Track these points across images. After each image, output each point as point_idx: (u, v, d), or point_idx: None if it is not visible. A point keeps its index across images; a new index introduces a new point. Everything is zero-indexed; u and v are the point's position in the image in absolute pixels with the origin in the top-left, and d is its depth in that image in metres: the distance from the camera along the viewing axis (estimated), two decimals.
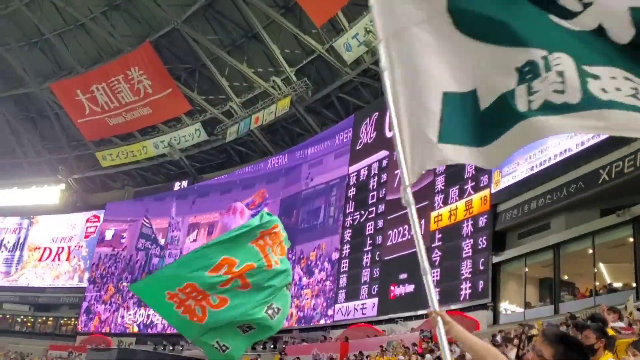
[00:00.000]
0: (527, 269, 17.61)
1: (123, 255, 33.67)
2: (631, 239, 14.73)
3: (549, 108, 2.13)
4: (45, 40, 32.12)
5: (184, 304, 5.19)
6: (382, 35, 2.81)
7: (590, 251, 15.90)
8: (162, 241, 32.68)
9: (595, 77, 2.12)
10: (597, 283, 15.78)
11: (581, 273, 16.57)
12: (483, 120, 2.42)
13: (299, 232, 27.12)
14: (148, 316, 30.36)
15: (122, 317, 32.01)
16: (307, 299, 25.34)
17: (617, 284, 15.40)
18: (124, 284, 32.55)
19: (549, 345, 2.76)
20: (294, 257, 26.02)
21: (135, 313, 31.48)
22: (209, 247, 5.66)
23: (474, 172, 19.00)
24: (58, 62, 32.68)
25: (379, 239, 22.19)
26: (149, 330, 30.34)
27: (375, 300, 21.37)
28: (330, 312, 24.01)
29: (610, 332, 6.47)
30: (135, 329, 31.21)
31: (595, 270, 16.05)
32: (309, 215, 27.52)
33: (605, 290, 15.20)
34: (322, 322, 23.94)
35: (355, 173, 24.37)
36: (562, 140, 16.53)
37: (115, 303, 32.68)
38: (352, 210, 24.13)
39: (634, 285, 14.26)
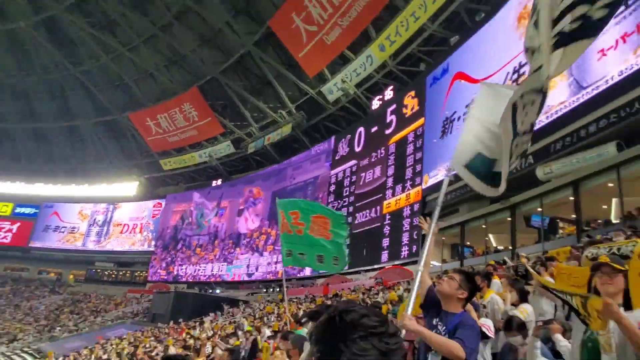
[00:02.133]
0: (444, 238, 17.93)
1: (177, 228, 34.02)
2: (509, 218, 15.06)
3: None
4: (125, 84, 32.40)
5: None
6: None
7: (484, 226, 16.41)
8: (200, 218, 33.08)
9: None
10: (488, 247, 16.35)
11: (478, 240, 17.03)
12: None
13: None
14: (195, 270, 30.77)
15: (177, 270, 32.13)
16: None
17: (500, 247, 15.88)
18: (178, 247, 32.99)
19: (458, 274, 2.93)
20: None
21: (186, 268, 31.67)
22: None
23: (411, 174, 19.27)
24: (134, 98, 32.88)
25: (350, 219, 21.90)
26: (196, 279, 30.59)
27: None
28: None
29: (496, 277, 6.66)
30: (186, 279, 31.41)
31: (487, 238, 16.57)
32: None
33: (493, 251, 15.73)
34: (310, 274, 24.01)
35: (334, 175, 24.30)
36: None
37: (172, 261, 32.94)
38: (332, 200, 23.95)
39: (510, 248, 14.71)
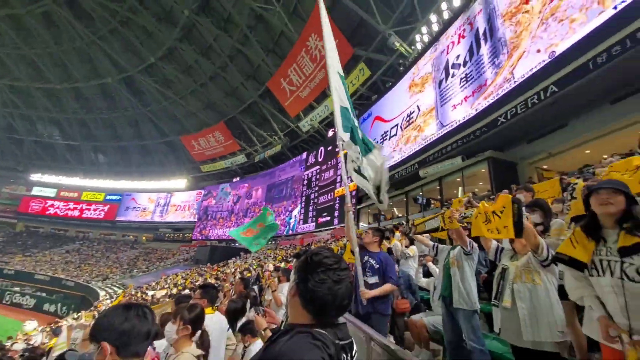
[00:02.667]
0: (369, 210, 18.05)
1: (209, 207, 33.38)
2: (404, 199, 14.96)
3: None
4: (178, 119, 31.38)
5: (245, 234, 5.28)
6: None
7: (391, 204, 16.24)
8: (223, 201, 32.35)
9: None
10: (393, 215, 16.27)
11: (388, 211, 16.94)
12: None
13: (275, 199, 27.06)
14: (223, 232, 30.23)
15: (211, 233, 31.49)
16: (282, 224, 25.17)
17: (399, 215, 15.41)
18: (210, 218, 32.33)
19: (372, 230, 2.96)
20: (276, 209, 26.00)
21: (216, 231, 31.13)
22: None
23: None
24: (184, 127, 31.94)
25: (316, 198, 22.20)
26: (222, 238, 30.01)
27: (314, 224, 21.59)
28: (289, 228, 24.17)
29: (397, 232, 6.83)
30: (216, 238, 30.67)
31: (393, 210, 16.82)
32: (278, 192, 27.19)
33: (396, 217, 15.51)
34: (291, 233, 23.95)
35: (306, 175, 24.01)
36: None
37: (207, 227, 32.48)
38: (305, 189, 23.69)
39: (405, 215, 14.67)
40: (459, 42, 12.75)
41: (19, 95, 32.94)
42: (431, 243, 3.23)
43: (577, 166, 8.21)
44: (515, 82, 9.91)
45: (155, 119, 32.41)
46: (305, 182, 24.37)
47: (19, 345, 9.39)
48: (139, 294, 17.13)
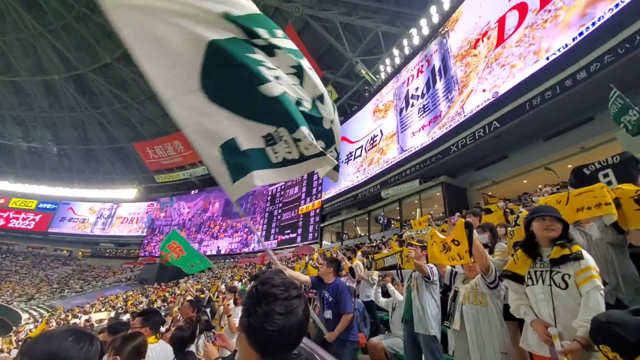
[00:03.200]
0: (332, 228, 17.97)
1: (159, 221, 31.28)
2: (367, 218, 15.32)
3: (287, 162, 1.65)
4: (133, 124, 29.48)
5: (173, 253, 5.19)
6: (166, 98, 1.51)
7: (354, 222, 16.52)
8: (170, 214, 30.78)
9: (298, 140, 1.59)
10: (355, 234, 16.27)
11: (351, 229, 17.09)
12: (249, 154, 1.61)
13: (232, 214, 26.29)
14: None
15: (158, 249, 29.64)
16: (239, 243, 24.55)
17: (362, 234, 15.52)
18: (161, 233, 30.37)
19: (325, 261, 2.77)
20: (234, 224, 25.29)
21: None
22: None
23: (315, 192, 19.49)
24: (139, 133, 30.11)
25: (279, 215, 21.79)
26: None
27: (276, 240, 21.10)
28: (253, 246, 23.48)
29: (359, 252, 6.91)
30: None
31: (356, 228, 16.67)
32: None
33: (359, 236, 15.46)
34: (252, 250, 23.43)
35: (271, 190, 23.78)
36: (349, 178, 17.28)
37: (156, 242, 30.33)
38: (269, 205, 23.28)
39: (368, 234, 14.80)
40: (417, 75, 13.91)
41: None
42: (394, 272, 3.29)
43: (517, 193, 9.24)
44: (465, 116, 11.00)
45: (105, 123, 30.01)
46: (269, 197, 23.97)
47: None
48: (69, 318, 15.08)
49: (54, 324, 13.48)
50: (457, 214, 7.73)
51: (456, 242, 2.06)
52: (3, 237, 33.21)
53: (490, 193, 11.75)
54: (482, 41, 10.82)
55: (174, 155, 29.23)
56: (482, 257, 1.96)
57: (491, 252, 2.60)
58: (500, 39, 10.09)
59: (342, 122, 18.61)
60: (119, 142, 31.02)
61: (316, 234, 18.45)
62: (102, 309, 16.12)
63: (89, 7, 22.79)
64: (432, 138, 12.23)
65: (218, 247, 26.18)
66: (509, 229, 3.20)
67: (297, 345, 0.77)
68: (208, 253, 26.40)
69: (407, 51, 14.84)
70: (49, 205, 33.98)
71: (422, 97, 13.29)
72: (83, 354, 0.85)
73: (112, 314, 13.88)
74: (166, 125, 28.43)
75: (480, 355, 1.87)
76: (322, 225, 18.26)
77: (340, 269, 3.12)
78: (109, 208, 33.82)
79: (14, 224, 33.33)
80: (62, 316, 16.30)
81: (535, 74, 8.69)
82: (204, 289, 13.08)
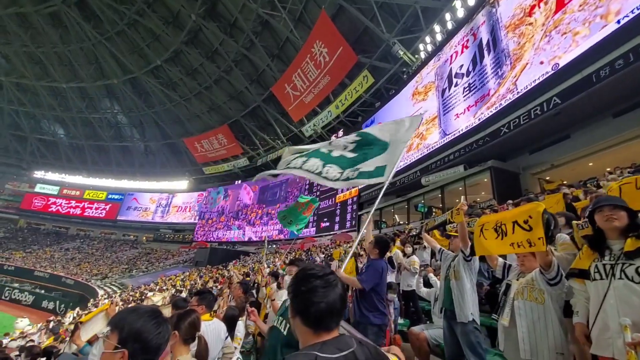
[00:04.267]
0: (369, 216, 18.44)
1: (206, 209, 33.18)
2: (406, 206, 14.96)
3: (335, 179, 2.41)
4: (182, 121, 31.47)
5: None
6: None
7: (392, 210, 16.42)
8: (215, 202, 32.16)
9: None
10: (394, 222, 15.98)
11: (389, 218, 16.85)
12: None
13: (268, 202, 27.28)
14: (224, 235, 30.14)
15: (211, 234, 31.37)
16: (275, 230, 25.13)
17: (401, 222, 15.07)
18: (210, 220, 32.10)
19: (373, 241, 2.97)
20: (270, 211, 26.19)
21: (218, 233, 30.98)
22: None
23: None
24: (187, 130, 32.04)
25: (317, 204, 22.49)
26: (223, 239, 29.92)
27: (314, 228, 21.50)
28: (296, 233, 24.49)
29: (398, 240, 6.45)
30: (217, 240, 30.57)
31: (394, 217, 16.43)
32: (272, 194, 27.23)
33: (397, 224, 14.94)
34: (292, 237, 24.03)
35: (308, 180, 24.48)
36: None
37: (208, 229, 32.30)
38: (306, 193, 22.90)
39: (406, 222, 14.55)
40: (462, 52, 12.80)
41: (24, 92, 33.08)
42: (438, 246, 3.19)
43: (579, 178, 8.18)
44: (518, 93, 9.93)
45: (159, 121, 32.42)
46: (307, 187, 24.31)
47: (15, 343, 9.29)
48: (137, 295, 16.98)
49: (119, 300, 15.20)
50: (509, 201, 7.09)
51: (528, 227, 1.79)
52: (81, 225, 38.28)
53: (548, 178, 10.62)
54: (539, 7, 9.55)
55: (219, 148, 30.59)
56: (545, 251, 1.78)
57: (551, 242, 2.41)
58: (560, 4, 8.82)
59: (378, 108, 18.12)
60: (171, 138, 33.32)
61: (354, 222, 18.34)
62: (164, 287, 17.90)
63: (139, 13, 24.41)
64: (478, 119, 11.31)
65: (258, 232, 27.36)
66: (574, 222, 2.77)
67: (341, 317, 0.88)
68: (245, 239, 27.77)
69: (449, 26, 13.68)
70: (116, 196, 38.13)
71: (468, 75, 12.25)
72: (160, 336, 0.96)
73: (173, 291, 15.35)
74: (211, 120, 29.88)
75: (532, 354, 1.78)
76: (359, 213, 18.10)
77: (388, 250, 3.19)
78: (165, 198, 36.90)
79: (88, 213, 38.10)
80: (131, 293, 18.42)
81: (604, 41, 7.50)
82: (249, 272, 13.79)
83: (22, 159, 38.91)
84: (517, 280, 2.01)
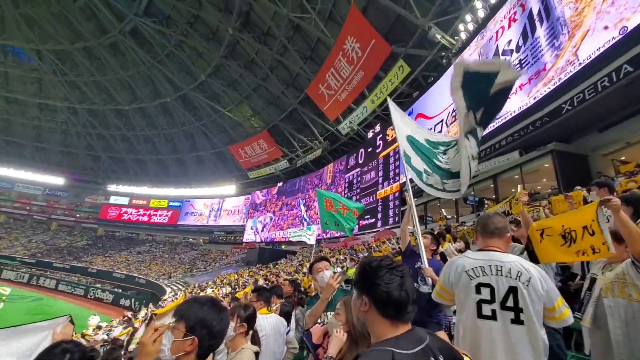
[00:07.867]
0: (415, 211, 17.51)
1: (258, 212, 34.39)
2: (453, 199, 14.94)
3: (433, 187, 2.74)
4: (226, 130, 33.08)
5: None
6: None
7: (438, 204, 15.56)
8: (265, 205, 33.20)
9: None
10: (441, 216, 15.23)
11: (435, 212, 16.16)
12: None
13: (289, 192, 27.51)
14: (268, 237, 31.01)
15: (258, 236, 32.52)
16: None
17: (449, 217, 14.71)
18: (257, 222, 33.43)
19: (430, 235, 2.97)
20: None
21: (264, 234, 32.00)
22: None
23: (392, 175, 18.46)
24: (231, 138, 33.57)
25: (358, 201, 21.39)
26: (270, 240, 30.80)
27: (357, 225, 20.60)
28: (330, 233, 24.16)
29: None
30: (264, 241, 31.44)
31: (441, 211, 15.67)
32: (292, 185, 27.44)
33: (444, 219, 14.48)
34: (334, 235, 23.68)
35: (347, 177, 23.60)
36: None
37: (256, 230, 33.55)
38: (347, 191, 22.63)
39: (455, 216, 13.86)
40: (509, 26, 11.46)
41: (95, 116, 37.46)
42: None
43: None
44: (580, 64, 8.57)
45: (207, 132, 34.49)
46: (347, 184, 23.97)
47: (100, 336, 10.33)
48: (199, 292, 18.15)
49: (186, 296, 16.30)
50: (577, 187, 6.05)
51: (591, 232, 1.53)
52: (148, 230, 42.33)
53: (623, 158, 9.05)
54: None
55: (261, 153, 31.58)
56: (636, 237, 1.48)
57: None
58: None
59: (417, 98, 17.16)
60: (219, 146, 35.20)
61: (397, 218, 17.57)
62: (222, 285, 18.93)
63: (183, 34, 26.16)
64: (534, 98, 10.03)
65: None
66: None
67: (415, 305, 0.85)
68: (278, 239, 27.99)
69: (492, 0, 12.35)
70: (176, 204, 41.53)
71: (518, 51, 10.93)
72: (223, 323, 1.05)
73: (229, 289, 16.15)
74: (252, 127, 30.98)
75: (629, 358, 1.54)
76: (402, 208, 17.31)
77: (439, 245, 3.24)
78: (217, 203, 39.23)
79: (154, 220, 41.99)
80: (193, 291, 19.74)
81: None
82: (297, 269, 13.87)
83: (97, 175, 44.14)
84: (603, 273, 1.77)
